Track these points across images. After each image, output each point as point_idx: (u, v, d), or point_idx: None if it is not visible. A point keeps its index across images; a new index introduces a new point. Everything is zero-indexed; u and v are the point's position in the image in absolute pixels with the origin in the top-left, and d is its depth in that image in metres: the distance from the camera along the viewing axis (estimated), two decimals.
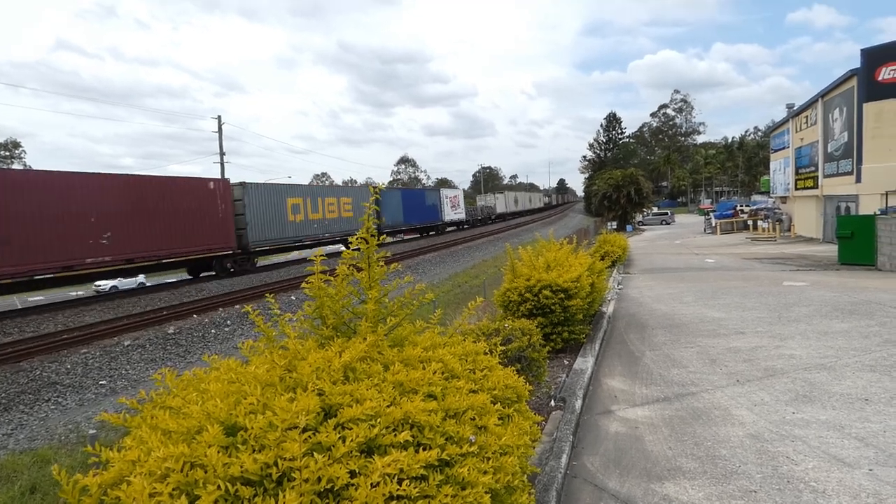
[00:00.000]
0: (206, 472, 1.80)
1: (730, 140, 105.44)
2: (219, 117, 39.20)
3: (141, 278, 28.13)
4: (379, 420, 2.12)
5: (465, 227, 50.88)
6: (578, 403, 5.54)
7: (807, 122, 29.24)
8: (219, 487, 1.75)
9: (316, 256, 3.13)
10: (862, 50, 21.70)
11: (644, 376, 6.60)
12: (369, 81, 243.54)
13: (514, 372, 3.27)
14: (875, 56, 21.31)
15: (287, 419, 1.96)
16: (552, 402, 5.60)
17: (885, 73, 20.87)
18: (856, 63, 21.94)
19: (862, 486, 3.72)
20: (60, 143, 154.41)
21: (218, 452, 1.84)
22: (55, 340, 12.26)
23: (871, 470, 3.93)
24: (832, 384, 5.79)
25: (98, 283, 29.48)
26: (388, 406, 2.20)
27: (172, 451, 1.85)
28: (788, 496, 3.66)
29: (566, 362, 7.17)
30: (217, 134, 39.22)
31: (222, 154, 39.24)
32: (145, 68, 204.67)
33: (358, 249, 3.24)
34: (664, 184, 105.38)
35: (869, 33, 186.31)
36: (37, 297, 17.62)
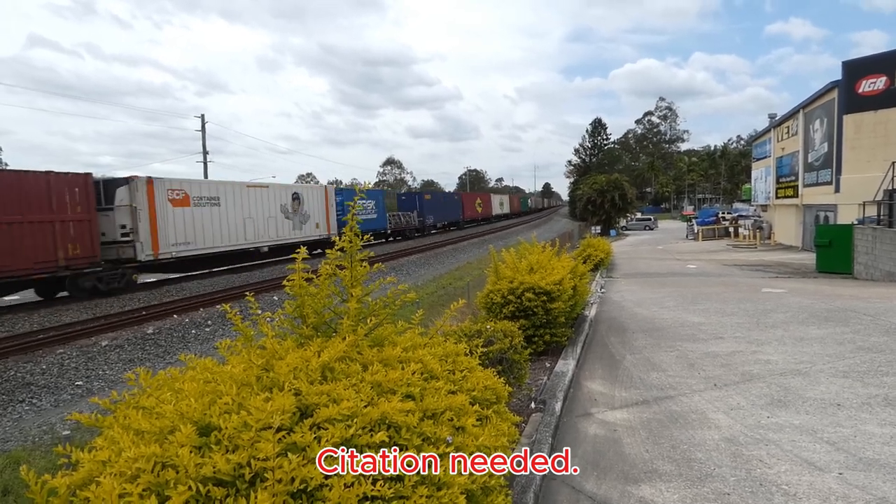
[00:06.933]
0: (177, 472, 1.78)
1: (712, 148, 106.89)
2: (202, 116, 38.91)
3: None
4: (356, 420, 2.11)
5: None
6: (558, 406, 5.57)
7: (788, 133, 29.78)
8: (190, 488, 1.73)
9: (298, 254, 3.06)
10: (843, 62, 22.16)
11: (624, 379, 6.66)
12: (352, 83, 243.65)
13: (495, 374, 3.28)
14: (856, 69, 21.73)
15: (262, 419, 1.94)
16: (532, 405, 5.62)
17: (866, 86, 21.27)
18: (833, 75, 22.42)
19: (832, 489, 3.79)
20: (37, 140, 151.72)
21: (190, 452, 1.82)
22: (31, 340, 12.00)
23: (841, 474, 4.00)
24: (806, 389, 5.89)
25: None
26: (365, 406, 2.20)
27: (144, 451, 1.82)
28: (761, 499, 3.71)
29: (547, 365, 7.21)
30: (200, 133, 38.86)
31: (205, 153, 38.88)
32: (125, 66, 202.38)
33: (342, 250, 3.22)
34: (648, 190, 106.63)
35: (845, 46, 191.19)
36: (13, 297, 17.16)
